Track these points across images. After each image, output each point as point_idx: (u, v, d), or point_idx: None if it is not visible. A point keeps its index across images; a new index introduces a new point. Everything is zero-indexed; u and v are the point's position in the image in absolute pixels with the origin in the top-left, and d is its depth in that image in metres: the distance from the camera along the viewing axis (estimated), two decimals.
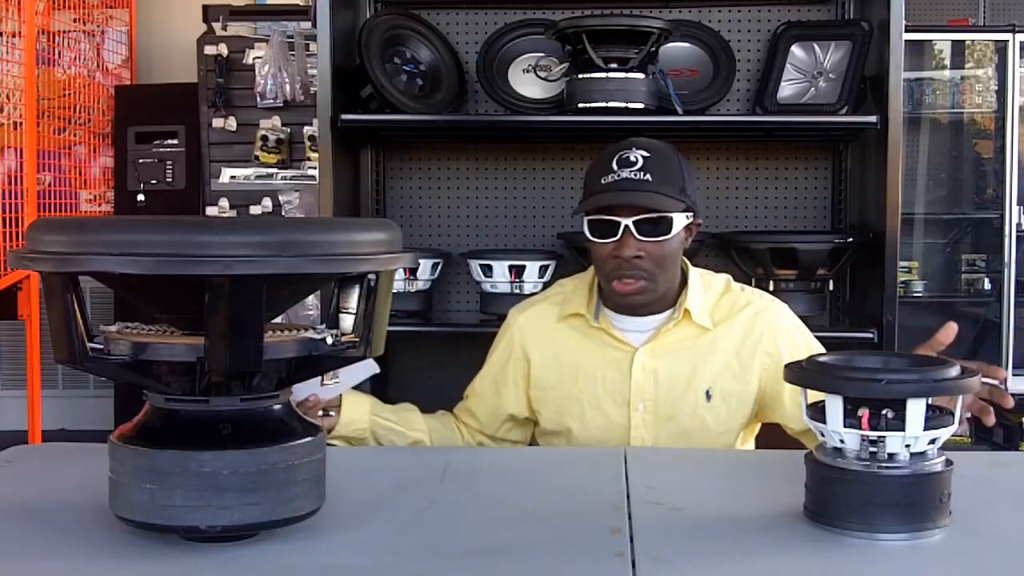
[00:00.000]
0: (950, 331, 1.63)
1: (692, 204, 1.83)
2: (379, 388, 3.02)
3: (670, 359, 1.86)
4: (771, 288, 2.54)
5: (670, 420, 1.85)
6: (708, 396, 1.85)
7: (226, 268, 1.01)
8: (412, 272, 2.73)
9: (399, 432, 1.88)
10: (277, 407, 1.17)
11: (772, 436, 1.99)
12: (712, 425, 1.86)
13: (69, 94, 4.46)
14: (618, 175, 1.78)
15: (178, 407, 1.13)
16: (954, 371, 1.20)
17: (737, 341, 1.87)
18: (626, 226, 1.77)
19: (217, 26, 4.54)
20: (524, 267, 2.72)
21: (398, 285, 2.71)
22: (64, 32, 4.46)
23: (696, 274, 1.92)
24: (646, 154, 1.80)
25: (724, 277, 1.96)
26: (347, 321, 1.22)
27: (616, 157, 1.81)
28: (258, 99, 4.40)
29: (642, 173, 1.78)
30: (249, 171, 4.49)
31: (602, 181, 1.80)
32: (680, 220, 1.80)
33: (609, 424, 1.86)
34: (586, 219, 1.83)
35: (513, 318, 1.99)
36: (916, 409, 1.17)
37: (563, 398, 1.89)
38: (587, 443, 1.87)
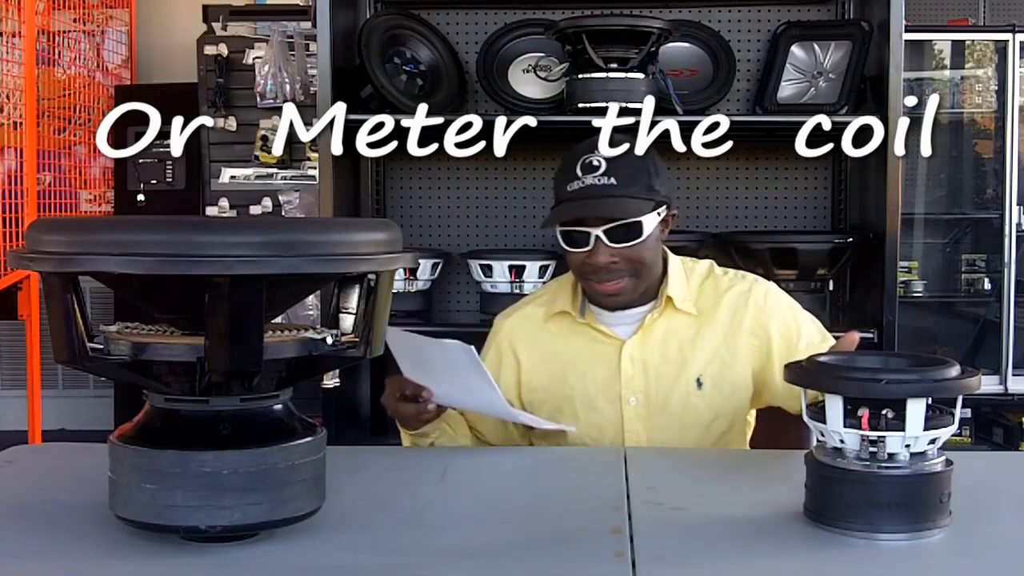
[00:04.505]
0: (849, 341, 1.63)
1: (664, 198, 1.81)
2: (379, 388, 3.02)
3: (658, 350, 1.85)
4: None
5: (662, 411, 1.84)
6: (699, 384, 1.84)
7: (226, 268, 1.01)
8: (412, 272, 2.74)
9: (451, 436, 1.85)
10: (277, 407, 1.17)
11: (772, 436, 1.99)
12: (705, 413, 1.84)
13: (69, 94, 4.46)
14: (583, 182, 1.76)
15: (178, 407, 1.13)
16: (954, 371, 1.20)
17: (723, 326, 1.85)
18: (597, 236, 1.75)
19: (217, 26, 4.54)
20: (524, 267, 2.72)
21: (398, 285, 2.71)
22: (64, 32, 4.46)
23: (677, 262, 1.90)
24: (609, 155, 1.77)
25: (707, 263, 1.94)
26: (347, 321, 1.22)
27: (580, 162, 1.78)
28: (258, 99, 4.39)
29: (607, 177, 1.75)
30: (249, 171, 4.49)
31: (568, 189, 1.78)
32: (651, 220, 1.78)
33: (602, 420, 1.85)
34: (558, 229, 1.81)
35: (499, 324, 1.98)
36: (916, 409, 1.17)
37: (555, 398, 1.87)
38: (582, 441, 1.86)
